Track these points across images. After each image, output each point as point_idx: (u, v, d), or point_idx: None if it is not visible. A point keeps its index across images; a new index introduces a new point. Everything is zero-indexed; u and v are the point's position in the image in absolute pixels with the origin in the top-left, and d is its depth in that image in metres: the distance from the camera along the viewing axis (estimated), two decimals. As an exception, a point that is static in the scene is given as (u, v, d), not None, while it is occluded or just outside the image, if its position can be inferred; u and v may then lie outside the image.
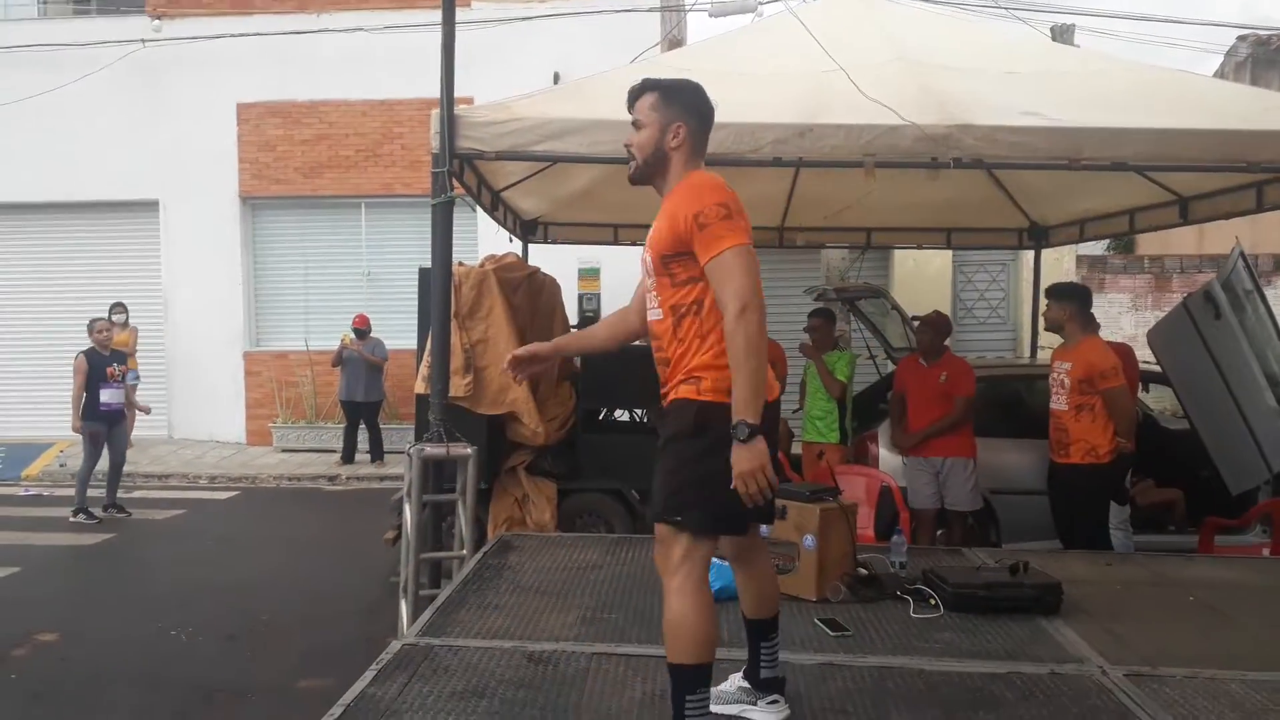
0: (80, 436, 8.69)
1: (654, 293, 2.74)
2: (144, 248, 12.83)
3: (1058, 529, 5.33)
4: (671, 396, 2.69)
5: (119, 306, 11.24)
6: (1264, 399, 5.77)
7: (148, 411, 10.19)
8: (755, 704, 2.86)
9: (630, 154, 2.81)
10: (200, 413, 12.68)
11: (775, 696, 2.88)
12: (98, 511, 8.63)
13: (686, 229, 2.58)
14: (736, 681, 2.92)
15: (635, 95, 2.82)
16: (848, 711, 2.93)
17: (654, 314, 2.76)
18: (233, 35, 12.09)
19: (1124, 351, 5.92)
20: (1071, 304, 5.24)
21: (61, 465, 11.01)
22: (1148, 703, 2.98)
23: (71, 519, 8.53)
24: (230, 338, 12.71)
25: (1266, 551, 5.51)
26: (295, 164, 12.60)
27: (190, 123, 12.39)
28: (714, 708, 2.83)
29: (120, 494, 8.99)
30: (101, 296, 11.90)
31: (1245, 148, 4.78)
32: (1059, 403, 5.21)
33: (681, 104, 2.76)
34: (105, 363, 8.59)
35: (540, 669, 3.23)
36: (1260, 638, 3.67)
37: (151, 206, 12.66)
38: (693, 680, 2.59)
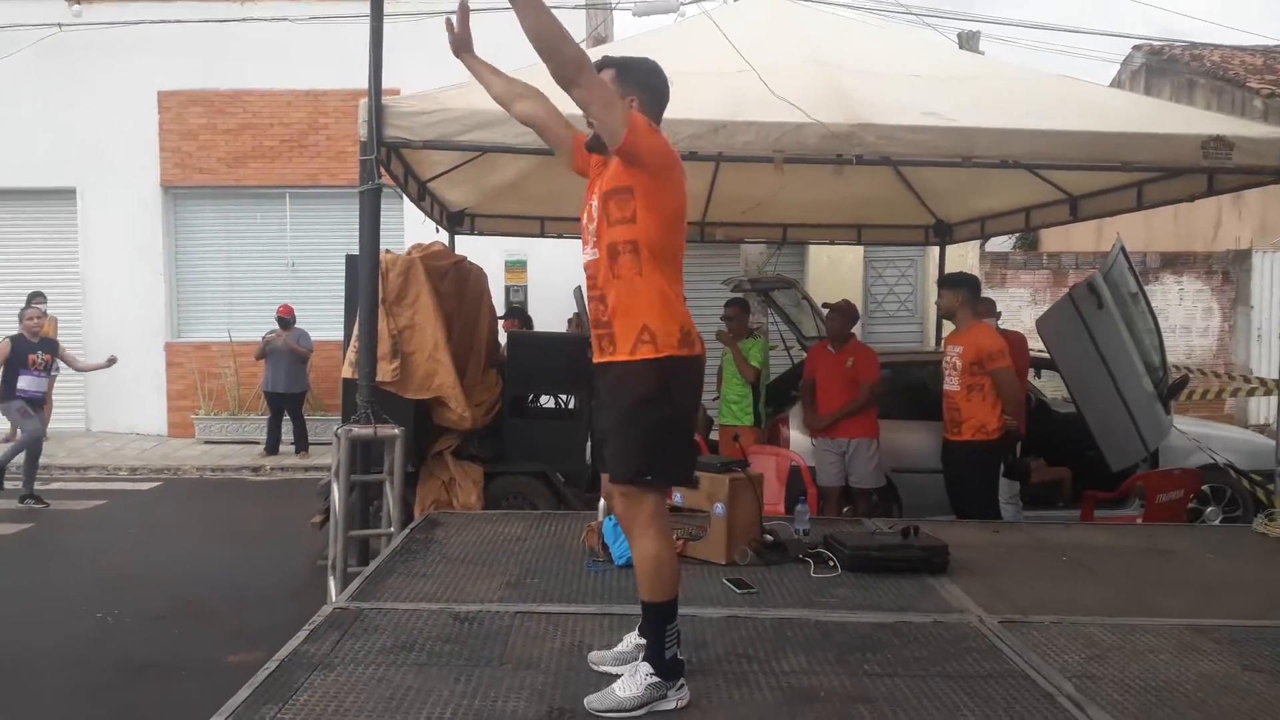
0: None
1: (592, 235, 2.97)
2: (61, 236, 12.62)
3: (951, 503, 5.71)
4: (625, 357, 2.86)
5: (39, 295, 11.04)
6: (1142, 384, 6.22)
7: (114, 361, 9.56)
8: (667, 695, 2.91)
9: (589, 123, 2.98)
10: (120, 405, 12.51)
11: (680, 681, 2.95)
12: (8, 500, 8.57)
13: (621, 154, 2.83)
14: (632, 639, 3.07)
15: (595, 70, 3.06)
16: (749, 656, 3.22)
17: (590, 254, 2.98)
18: (154, 21, 11.95)
19: (1016, 339, 6.35)
20: (962, 291, 5.63)
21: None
22: (1016, 643, 3.33)
23: None
24: (151, 329, 12.56)
25: (1140, 521, 5.97)
26: (218, 154, 12.52)
27: (109, 110, 12.22)
28: (611, 668, 3.02)
29: (37, 485, 8.89)
30: (17, 285, 11.69)
31: (1121, 149, 5.23)
32: (952, 384, 5.59)
33: (636, 80, 3.01)
34: (29, 349, 8.54)
35: (466, 626, 3.45)
36: (1120, 590, 4.08)
37: (69, 194, 12.46)
38: (670, 613, 2.87)
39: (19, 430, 8.73)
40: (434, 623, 3.47)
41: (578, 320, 9.31)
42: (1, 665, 4.92)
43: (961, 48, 12.97)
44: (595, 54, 8.66)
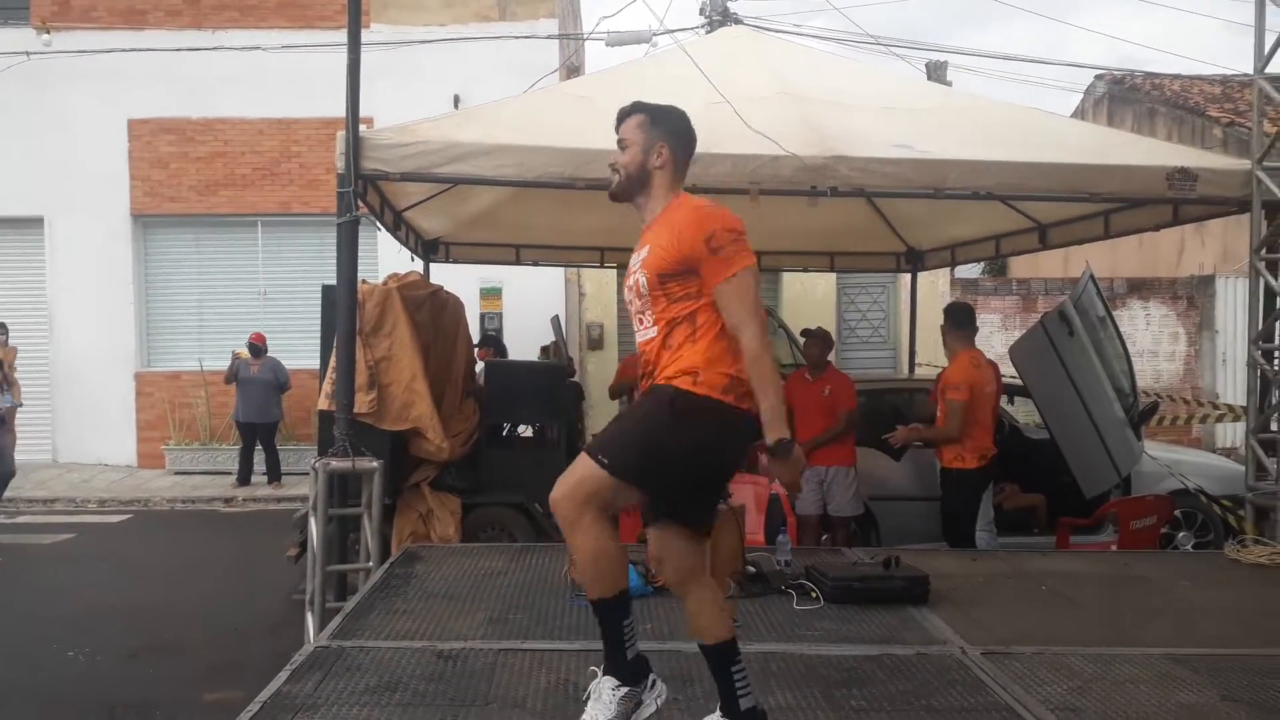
0: None
1: (649, 313, 2.79)
2: (28, 265, 12.45)
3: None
4: (664, 383, 2.73)
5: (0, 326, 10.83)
6: (1113, 410, 6.31)
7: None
8: (643, 701, 2.83)
9: (615, 170, 2.90)
10: (88, 436, 12.31)
11: (651, 678, 2.90)
12: None
13: (695, 251, 2.68)
14: (610, 691, 2.79)
15: (624, 115, 2.92)
16: (735, 692, 3.21)
17: (648, 333, 2.81)
18: (124, 50, 11.87)
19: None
20: (946, 323, 5.73)
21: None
22: (999, 675, 3.36)
23: None
24: (120, 358, 12.39)
25: (1115, 547, 6.04)
26: (190, 182, 12.42)
27: (79, 138, 12.09)
28: None
29: (1, 518, 8.72)
30: (-19, 314, 11.49)
31: (1089, 180, 5.34)
32: (936, 410, 5.67)
33: (668, 127, 2.88)
34: None
35: (450, 664, 3.42)
36: (1099, 619, 4.13)
37: (36, 223, 12.30)
38: (730, 651, 2.74)
39: None
40: (417, 661, 3.45)
41: (555, 348, 9.32)
42: (-30, 707, 4.83)
43: (930, 78, 13.21)
44: (569, 84, 8.71)
